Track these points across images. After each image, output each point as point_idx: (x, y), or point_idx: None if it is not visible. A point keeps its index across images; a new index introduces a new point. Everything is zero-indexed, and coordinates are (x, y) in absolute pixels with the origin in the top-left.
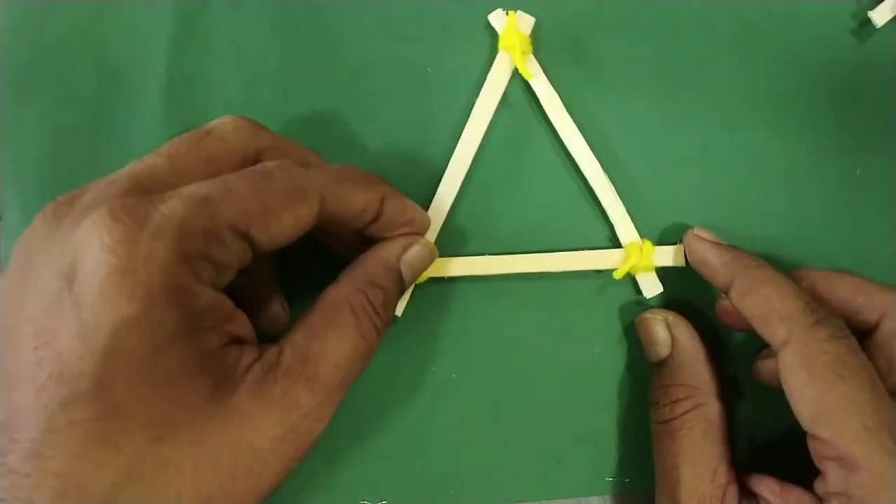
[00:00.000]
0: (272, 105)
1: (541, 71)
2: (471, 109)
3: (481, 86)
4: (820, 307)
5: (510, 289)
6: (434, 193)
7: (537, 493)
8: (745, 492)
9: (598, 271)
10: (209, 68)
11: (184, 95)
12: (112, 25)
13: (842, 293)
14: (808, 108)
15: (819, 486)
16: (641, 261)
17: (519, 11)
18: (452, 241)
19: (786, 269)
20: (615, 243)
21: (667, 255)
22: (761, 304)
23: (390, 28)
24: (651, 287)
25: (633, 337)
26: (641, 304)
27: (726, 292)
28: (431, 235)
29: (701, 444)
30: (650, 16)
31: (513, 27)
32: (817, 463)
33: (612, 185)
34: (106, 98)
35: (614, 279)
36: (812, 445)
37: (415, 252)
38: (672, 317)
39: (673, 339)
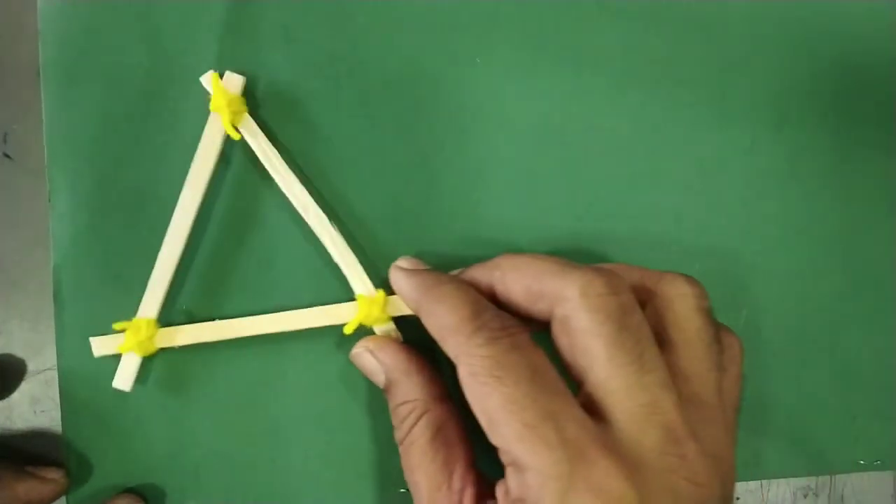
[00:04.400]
0: (322, 94)
1: (257, 129)
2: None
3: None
4: (488, 311)
5: None
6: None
7: None
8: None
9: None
10: (259, 55)
11: None
12: (164, 10)
13: (525, 281)
14: (854, 104)
15: (505, 497)
16: (372, 312)
17: (227, 72)
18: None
19: (825, 265)
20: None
21: (402, 305)
22: (435, 323)
23: (442, 17)
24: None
25: None
26: None
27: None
28: (155, 306)
29: (431, 454)
30: (697, 14)
31: (220, 88)
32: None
33: (340, 236)
34: (156, 83)
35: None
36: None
37: None
38: (373, 342)
39: (380, 363)
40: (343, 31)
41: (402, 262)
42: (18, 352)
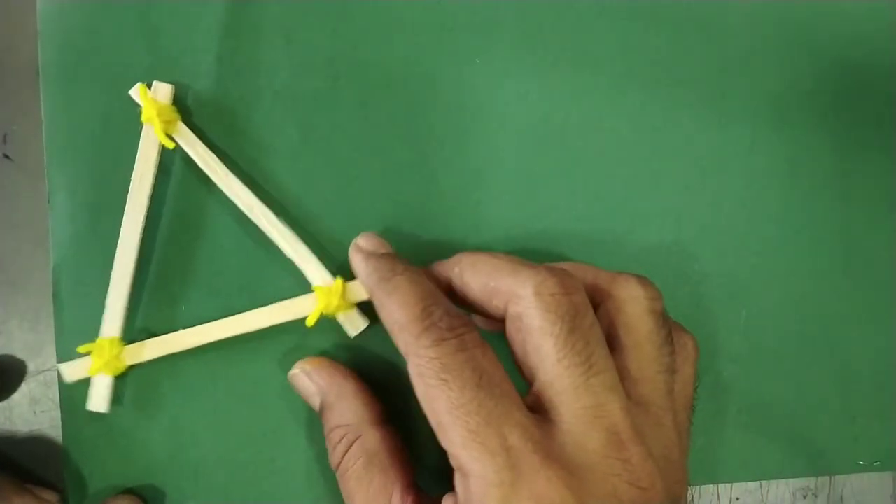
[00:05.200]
0: (322, 94)
1: (193, 136)
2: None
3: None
4: (439, 309)
5: None
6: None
7: None
8: None
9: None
10: (259, 55)
11: (233, 82)
12: (163, 11)
13: (482, 279)
14: (854, 104)
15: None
16: (332, 301)
17: (155, 82)
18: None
19: (825, 265)
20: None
21: (363, 290)
22: (386, 316)
23: (442, 18)
24: (355, 324)
25: None
26: None
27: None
28: (117, 324)
29: (367, 478)
30: (697, 14)
31: (148, 99)
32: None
33: (289, 230)
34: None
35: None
36: None
37: None
38: (310, 364)
39: (315, 385)
40: (343, 31)
41: (362, 241)
42: (18, 352)
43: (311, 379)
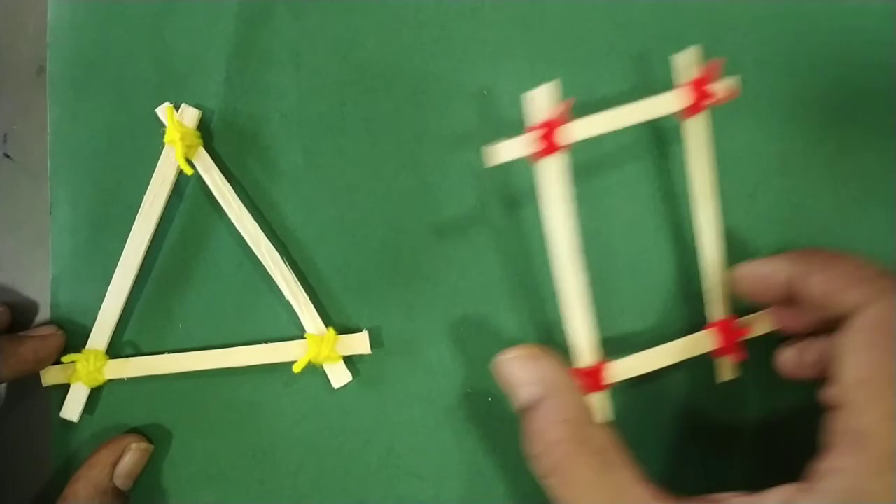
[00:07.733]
0: (328, 118)
1: (212, 163)
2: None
3: None
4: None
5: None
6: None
7: None
8: None
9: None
10: (268, 78)
11: (241, 103)
12: (175, 29)
13: (832, 281)
14: (853, 104)
15: (815, 465)
16: (322, 351)
17: (184, 105)
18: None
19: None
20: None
21: (353, 344)
22: (834, 277)
23: (450, 48)
24: (340, 377)
25: None
26: None
27: (786, 295)
28: (105, 337)
29: (604, 481)
30: (696, 16)
31: (174, 121)
32: (826, 438)
33: (292, 274)
34: (164, 101)
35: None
36: (831, 418)
37: (127, 461)
38: (526, 351)
39: (531, 375)
40: (352, 58)
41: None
42: None
43: (524, 368)
